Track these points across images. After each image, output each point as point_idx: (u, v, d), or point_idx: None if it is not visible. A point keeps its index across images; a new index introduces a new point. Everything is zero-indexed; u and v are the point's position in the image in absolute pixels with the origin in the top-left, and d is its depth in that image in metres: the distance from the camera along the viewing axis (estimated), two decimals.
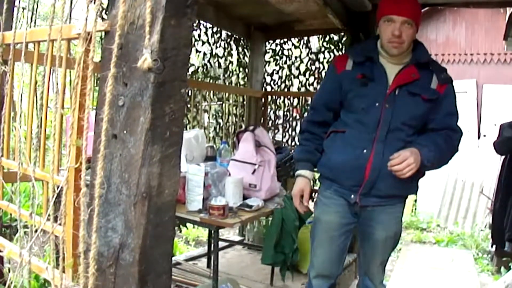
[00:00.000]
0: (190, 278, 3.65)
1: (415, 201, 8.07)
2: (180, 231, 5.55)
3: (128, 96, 1.66)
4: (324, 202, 2.68)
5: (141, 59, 1.56)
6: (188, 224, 5.56)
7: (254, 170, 3.19)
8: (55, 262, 1.99)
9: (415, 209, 7.98)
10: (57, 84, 2.04)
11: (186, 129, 4.06)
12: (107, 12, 1.76)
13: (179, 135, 1.70)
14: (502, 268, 4.75)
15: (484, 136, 7.92)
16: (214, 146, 3.80)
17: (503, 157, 4.22)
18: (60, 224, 1.88)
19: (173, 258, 4.06)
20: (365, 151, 2.46)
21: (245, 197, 3.04)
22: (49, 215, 1.91)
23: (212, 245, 2.97)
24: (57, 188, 1.89)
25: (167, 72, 1.61)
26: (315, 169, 2.73)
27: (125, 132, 1.66)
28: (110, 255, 1.71)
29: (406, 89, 2.46)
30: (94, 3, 1.72)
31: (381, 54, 2.54)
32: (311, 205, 2.81)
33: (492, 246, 5.00)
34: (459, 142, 2.57)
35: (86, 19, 1.74)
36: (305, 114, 4.46)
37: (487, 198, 6.83)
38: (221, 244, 4.71)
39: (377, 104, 2.46)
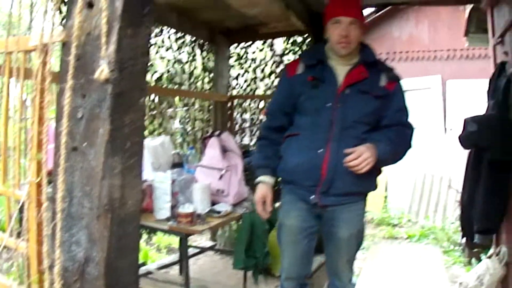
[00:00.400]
0: (162, 287, 3.62)
1: (386, 197, 8.14)
2: (151, 239, 5.50)
3: (87, 108, 1.64)
4: (286, 207, 2.71)
5: (98, 70, 1.54)
6: (158, 232, 5.54)
7: (221, 175, 3.19)
8: (21, 278, 1.96)
9: (386, 205, 8.05)
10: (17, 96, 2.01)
11: (153, 135, 4.03)
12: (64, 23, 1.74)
13: (139, 145, 1.69)
14: (473, 259, 4.82)
15: (451, 130, 8.03)
16: (181, 152, 3.77)
17: (468, 150, 4.27)
18: (23, 240, 1.86)
19: (145, 267, 4.03)
20: (320, 151, 2.49)
21: (213, 203, 3.03)
22: (11, 231, 1.88)
23: (182, 254, 2.94)
24: (19, 203, 1.86)
25: (125, 82, 1.60)
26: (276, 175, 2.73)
27: (85, 144, 1.64)
28: (75, 270, 1.68)
29: (356, 87, 2.52)
30: (50, 13, 1.70)
31: (331, 56, 2.62)
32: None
33: (462, 239, 5.06)
34: (412, 138, 2.63)
35: (42, 31, 1.72)
36: None
37: (456, 191, 6.92)
38: (193, 250, 4.68)
39: (328, 104, 2.51)
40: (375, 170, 2.52)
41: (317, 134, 2.51)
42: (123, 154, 1.62)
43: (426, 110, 8.27)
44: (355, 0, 2.63)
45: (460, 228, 4.41)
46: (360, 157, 2.34)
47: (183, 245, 2.84)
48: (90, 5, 1.66)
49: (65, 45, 1.72)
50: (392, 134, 2.53)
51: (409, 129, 2.62)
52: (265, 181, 2.66)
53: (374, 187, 2.67)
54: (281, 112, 2.71)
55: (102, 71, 1.53)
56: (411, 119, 2.63)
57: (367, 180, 2.54)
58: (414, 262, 1.95)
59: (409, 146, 2.64)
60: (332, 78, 2.56)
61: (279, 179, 2.78)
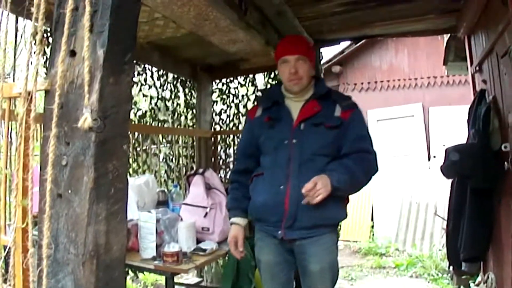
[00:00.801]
0: None
1: (372, 227, 8.16)
2: (137, 277, 5.47)
3: (71, 156, 1.66)
4: (259, 243, 2.76)
5: (82, 119, 1.57)
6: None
7: (206, 213, 3.21)
8: None
9: (373, 235, 8.07)
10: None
11: (137, 174, 4.05)
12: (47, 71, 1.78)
13: (123, 191, 1.71)
14: (462, 287, 4.84)
15: (434, 157, 8.11)
16: (166, 190, 3.79)
17: (451, 180, 4.32)
18: (10, 286, 1.86)
19: None
20: (281, 187, 2.54)
21: (198, 241, 3.04)
22: None
23: None
24: (5, 249, 1.87)
25: (108, 129, 1.63)
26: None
27: (69, 191, 1.66)
28: None
29: (310, 121, 2.59)
30: (34, 60, 1.73)
31: (286, 95, 2.75)
32: None
33: (449, 268, 5.09)
34: (375, 162, 2.63)
35: (26, 79, 1.75)
36: None
37: (441, 218, 6.96)
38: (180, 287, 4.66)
39: (285, 141, 2.59)
40: (340, 199, 2.59)
41: (278, 171, 2.59)
42: (107, 200, 1.64)
43: (409, 138, 8.37)
44: (300, 39, 2.91)
45: (446, 256, 4.44)
46: (312, 189, 2.35)
47: (169, 285, 2.83)
48: (73, 53, 1.70)
49: (49, 93, 1.75)
50: (350, 161, 2.54)
51: (370, 154, 2.62)
52: (236, 222, 2.74)
53: (342, 216, 2.68)
54: (245, 155, 2.84)
55: (85, 119, 1.56)
56: (371, 146, 2.65)
57: (332, 211, 2.56)
58: None
59: (372, 171, 2.63)
60: (287, 116, 2.66)
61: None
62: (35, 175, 1.81)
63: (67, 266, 1.67)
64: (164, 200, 3.57)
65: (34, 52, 1.74)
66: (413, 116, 8.54)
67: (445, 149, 4.02)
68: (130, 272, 4.46)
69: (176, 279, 5.14)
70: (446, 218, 4.58)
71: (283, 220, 2.53)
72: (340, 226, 8.09)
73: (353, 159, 2.55)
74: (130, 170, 4.14)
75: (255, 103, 3.07)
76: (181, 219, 3.15)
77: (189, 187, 3.45)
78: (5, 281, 1.91)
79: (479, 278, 4.15)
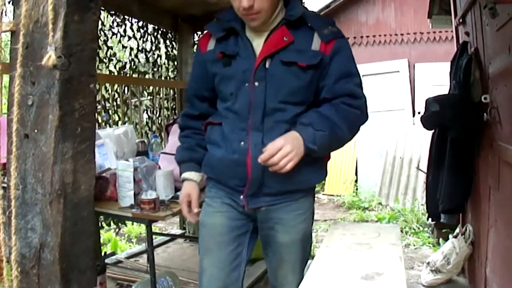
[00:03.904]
0: (130, 275, 3.63)
1: (356, 181, 8.23)
2: (119, 229, 5.50)
3: (37, 95, 1.65)
4: (208, 202, 2.19)
5: (46, 57, 1.55)
6: (128, 222, 5.54)
7: None
8: None
9: (357, 189, 8.14)
10: None
11: (117, 125, 4.03)
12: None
13: (91, 130, 1.71)
14: (441, 239, 4.91)
15: (419, 113, 8.11)
16: (145, 140, 3.77)
17: (432, 131, 4.34)
18: None
19: (114, 257, 4.03)
20: (242, 143, 1.96)
21: (177, 189, 3.02)
22: None
23: (147, 239, 2.95)
24: None
25: (73, 68, 1.61)
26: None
27: (36, 131, 1.65)
28: (32, 256, 1.70)
29: (278, 58, 1.92)
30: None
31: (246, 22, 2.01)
32: None
33: (428, 220, 5.15)
34: (364, 110, 2.04)
35: None
36: None
37: (423, 173, 7.01)
38: (163, 238, 4.70)
39: (245, 84, 1.96)
40: (318, 159, 2.04)
41: (237, 123, 2.00)
42: (74, 139, 1.64)
43: (394, 94, 8.37)
44: None
45: (426, 208, 4.49)
46: (278, 153, 1.79)
47: (148, 232, 2.84)
48: None
49: (14, 34, 1.72)
50: (331, 111, 1.94)
51: (358, 99, 2.00)
52: (189, 178, 2.20)
53: (320, 178, 2.16)
54: (198, 98, 2.23)
55: (50, 57, 1.54)
56: (360, 88, 2.04)
57: (308, 174, 2.03)
58: (372, 240, 1.98)
59: (360, 122, 2.05)
60: (247, 50, 1.97)
61: None
62: (3, 125, 1.79)
63: (35, 206, 1.67)
64: (143, 151, 3.56)
65: None
66: (398, 72, 8.53)
67: (425, 100, 4.00)
68: (112, 223, 4.49)
69: (159, 231, 5.19)
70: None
71: (246, 185, 2.00)
72: (325, 181, 8.15)
73: (335, 107, 1.94)
74: (111, 121, 4.12)
75: (206, 30, 2.17)
76: (159, 168, 3.14)
77: (168, 137, 3.43)
78: None
79: (457, 230, 4.20)
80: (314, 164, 2.02)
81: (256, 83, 1.93)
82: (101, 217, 3.83)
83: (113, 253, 4.16)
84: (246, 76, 1.95)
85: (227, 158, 2.00)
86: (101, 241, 4.44)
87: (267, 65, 1.93)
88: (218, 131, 2.07)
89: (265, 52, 1.93)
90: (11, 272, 1.71)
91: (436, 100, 3.88)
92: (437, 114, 3.83)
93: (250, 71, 1.94)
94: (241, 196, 2.03)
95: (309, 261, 2.18)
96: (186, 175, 2.20)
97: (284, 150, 1.77)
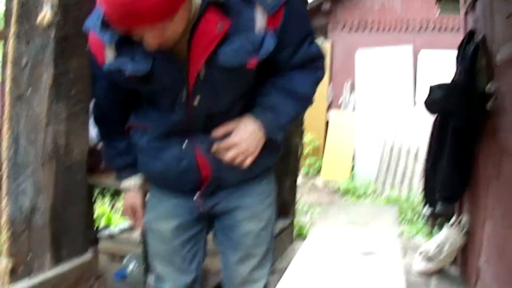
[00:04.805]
0: (123, 249, 3.59)
1: (353, 167, 8.19)
2: (115, 203, 5.44)
3: (31, 54, 1.61)
4: (152, 203, 1.86)
5: (41, 15, 1.51)
6: (122, 196, 5.48)
7: None
8: None
9: (353, 175, 8.11)
10: None
11: None
12: None
13: (86, 92, 1.67)
14: (435, 228, 4.88)
15: (420, 103, 8.09)
16: None
17: (433, 119, 4.30)
18: None
19: (107, 230, 3.99)
20: (183, 146, 1.60)
21: None
22: None
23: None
24: None
25: (70, 27, 1.57)
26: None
27: (29, 91, 1.62)
28: (22, 220, 1.67)
29: (217, 61, 1.41)
30: None
31: None
32: None
33: (424, 208, 5.13)
34: (323, 70, 1.67)
35: None
36: None
37: (422, 164, 6.99)
38: None
39: (182, 100, 1.50)
40: (273, 143, 1.69)
41: (171, 126, 1.60)
42: (68, 100, 1.60)
43: (396, 81, 8.30)
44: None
45: (423, 195, 4.46)
46: (233, 149, 1.54)
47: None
48: None
49: None
50: (291, 81, 1.60)
51: (320, 59, 1.65)
52: (129, 188, 1.85)
53: (277, 156, 1.87)
54: (113, 102, 1.69)
55: (45, 15, 1.49)
56: (318, 47, 1.64)
57: (266, 157, 1.73)
58: (368, 220, 1.94)
59: (319, 82, 1.68)
60: (167, 58, 1.43)
61: None
62: None
63: (27, 168, 1.64)
64: None
65: None
66: (402, 59, 8.45)
67: (429, 86, 3.97)
68: (107, 197, 4.44)
69: None
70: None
71: (202, 187, 1.70)
72: (321, 166, 8.15)
73: (295, 75, 1.62)
74: None
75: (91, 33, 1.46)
76: None
77: None
78: None
79: (452, 220, 4.17)
80: (272, 146, 1.69)
81: (195, 102, 1.50)
82: (96, 190, 3.79)
83: (107, 226, 4.13)
84: (177, 94, 1.50)
85: (170, 169, 1.66)
86: (95, 215, 4.38)
87: (201, 76, 1.45)
88: (147, 138, 1.66)
89: (197, 60, 1.42)
90: (1, 236, 1.68)
91: (440, 86, 3.84)
92: (440, 101, 3.79)
93: (182, 89, 1.48)
94: (195, 198, 1.71)
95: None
96: (125, 183, 1.84)
97: (239, 148, 1.53)
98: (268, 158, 1.74)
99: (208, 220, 1.85)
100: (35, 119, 1.60)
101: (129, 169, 1.79)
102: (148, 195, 1.88)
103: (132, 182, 1.81)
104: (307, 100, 1.67)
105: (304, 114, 1.87)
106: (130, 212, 1.86)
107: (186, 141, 1.59)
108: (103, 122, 1.74)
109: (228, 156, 1.52)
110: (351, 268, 1.48)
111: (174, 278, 1.87)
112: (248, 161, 1.55)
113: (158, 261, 1.89)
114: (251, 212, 1.79)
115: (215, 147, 1.54)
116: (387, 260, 1.52)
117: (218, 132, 1.53)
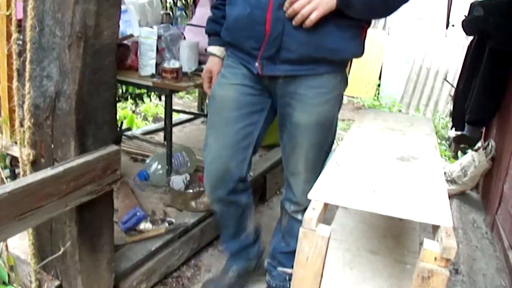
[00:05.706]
0: (145, 149, 3.57)
1: (379, 85, 8.06)
2: (137, 105, 5.42)
3: None
4: (223, 72, 2.00)
5: None
6: (147, 101, 5.45)
7: None
8: None
9: (378, 93, 7.99)
10: None
11: None
12: None
13: None
14: (459, 153, 4.83)
15: (453, 26, 7.81)
16: (171, 13, 3.58)
17: (469, 41, 4.15)
18: None
19: (130, 132, 3.97)
20: None
21: (200, 63, 2.89)
22: None
23: (166, 111, 2.85)
24: None
25: None
26: None
27: None
28: (46, 106, 1.60)
29: None
30: None
31: None
32: None
33: (451, 129, 5.04)
34: None
35: None
36: None
37: (450, 85, 6.84)
38: (179, 118, 4.61)
39: None
40: (351, 24, 1.72)
41: None
42: None
43: (431, 2, 8.01)
44: None
45: (450, 119, 4.37)
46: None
47: (167, 103, 2.74)
48: None
49: None
50: None
51: None
52: (212, 52, 2.07)
53: (353, 49, 1.80)
54: None
55: None
56: None
57: (338, 39, 1.71)
58: (404, 128, 1.87)
59: None
60: None
61: None
62: None
63: (52, 51, 1.55)
64: (168, 23, 3.39)
65: None
66: None
67: (470, 3, 3.80)
68: (130, 99, 4.41)
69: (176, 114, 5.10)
70: (455, 84, 4.49)
71: (262, 46, 1.73)
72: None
73: None
74: None
75: None
76: (185, 38, 2.98)
77: (196, 8, 3.25)
78: None
79: (478, 144, 4.10)
80: (346, 30, 1.71)
81: None
82: (119, 88, 3.72)
83: (129, 128, 4.11)
84: None
85: (243, 15, 1.72)
86: (117, 117, 4.35)
87: None
88: None
89: None
90: (23, 123, 1.62)
91: (481, 4, 3.68)
92: (480, 19, 3.64)
93: None
94: (256, 63, 1.78)
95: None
96: (210, 49, 2.09)
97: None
98: (336, 43, 1.70)
99: (271, 103, 1.95)
100: None
101: (217, 37, 2.01)
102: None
103: (216, 49, 2.05)
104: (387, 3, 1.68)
105: (379, 10, 1.75)
106: (207, 76, 2.07)
107: None
108: None
109: (296, 5, 1.56)
110: (391, 172, 1.41)
111: (220, 150, 1.94)
112: (314, 15, 1.55)
113: (211, 129, 2.00)
114: (304, 104, 1.82)
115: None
116: (428, 165, 1.46)
117: None
